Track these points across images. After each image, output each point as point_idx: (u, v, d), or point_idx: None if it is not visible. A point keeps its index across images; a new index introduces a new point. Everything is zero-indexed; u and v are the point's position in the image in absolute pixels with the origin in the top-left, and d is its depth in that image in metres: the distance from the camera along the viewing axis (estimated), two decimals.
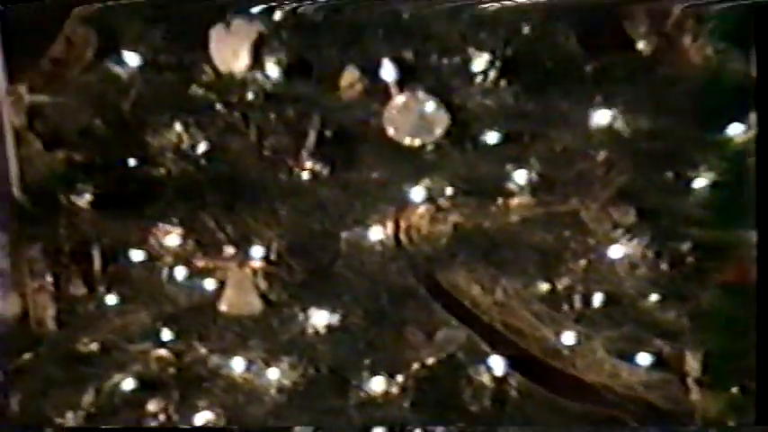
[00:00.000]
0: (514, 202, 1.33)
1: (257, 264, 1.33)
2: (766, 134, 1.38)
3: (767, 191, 1.37)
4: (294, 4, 1.28)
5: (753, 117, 1.34)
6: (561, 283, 1.34)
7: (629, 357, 1.34)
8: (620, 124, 1.31)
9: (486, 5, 1.29)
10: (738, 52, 1.32)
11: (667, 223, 1.34)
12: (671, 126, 1.30)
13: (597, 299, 1.34)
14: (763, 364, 1.38)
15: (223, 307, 1.35)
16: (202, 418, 1.33)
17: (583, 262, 1.33)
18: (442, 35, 1.28)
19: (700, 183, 1.31)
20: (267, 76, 1.28)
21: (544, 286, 1.35)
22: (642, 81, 1.30)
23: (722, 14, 1.34)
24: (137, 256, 1.35)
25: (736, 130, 1.30)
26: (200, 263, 1.34)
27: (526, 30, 1.29)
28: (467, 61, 1.29)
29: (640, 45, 1.31)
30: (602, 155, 1.31)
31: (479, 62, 1.27)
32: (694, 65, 1.32)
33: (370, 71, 1.27)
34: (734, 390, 1.33)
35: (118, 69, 1.32)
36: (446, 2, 1.28)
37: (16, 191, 1.33)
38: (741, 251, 1.32)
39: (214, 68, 1.29)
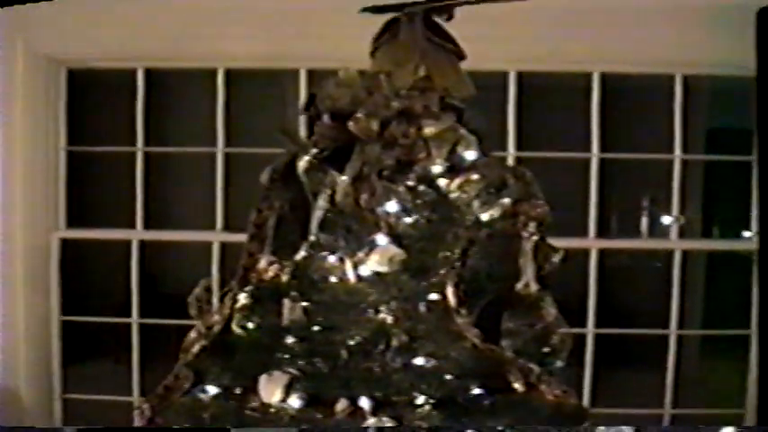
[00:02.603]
0: None
1: None
2: (766, 136, 1.92)
3: (767, 194, 1.86)
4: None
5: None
6: None
7: None
8: None
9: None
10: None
11: None
12: None
13: None
14: (764, 365, 1.91)
15: None
16: None
17: None
18: (399, 383, 2.01)
19: None
20: (291, 406, 2.00)
21: None
22: (518, 409, 2.04)
23: None
24: None
25: None
26: None
27: (448, 378, 2.15)
28: (412, 399, 1.97)
29: (517, 386, 2.14)
30: None
31: (420, 399, 1.97)
32: (547, 399, 2.17)
33: (354, 402, 1.97)
34: None
35: (202, 395, 2.17)
36: None
37: None
38: None
39: (260, 400, 2.04)
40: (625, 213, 4.44)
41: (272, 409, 2.06)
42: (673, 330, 3.74)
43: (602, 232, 3.80)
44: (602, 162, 3.70)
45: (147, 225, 3.65)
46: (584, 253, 3.69)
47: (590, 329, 3.67)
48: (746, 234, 3.80)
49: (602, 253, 3.74)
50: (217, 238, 3.55)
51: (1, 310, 3.50)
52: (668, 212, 3.88)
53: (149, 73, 3.65)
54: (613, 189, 4.00)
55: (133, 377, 3.60)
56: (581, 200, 3.72)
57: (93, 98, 3.69)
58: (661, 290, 3.85)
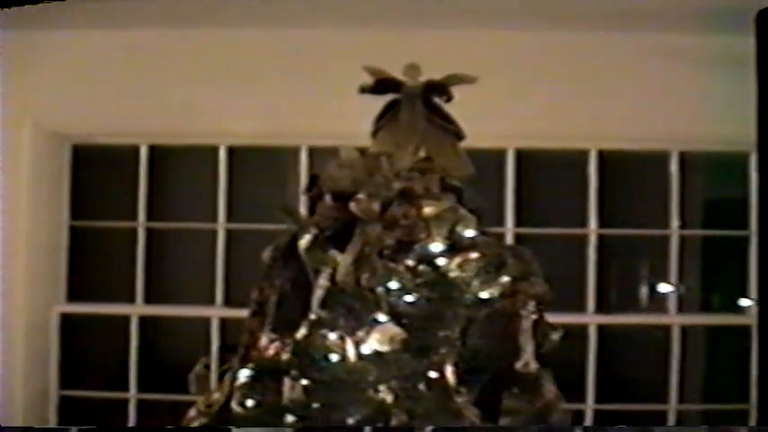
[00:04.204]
0: None
1: None
2: (766, 137, 1.92)
3: (767, 196, 1.86)
4: None
5: None
6: None
7: None
8: None
9: None
10: None
11: None
12: None
13: None
14: (764, 366, 1.88)
15: None
16: None
17: None
18: None
19: None
20: None
21: None
22: None
23: None
24: None
25: None
26: None
27: None
28: None
29: None
30: None
31: None
32: None
33: None
34: None
35: None
36: None
37: None
38: None
39: None
40: (624, 286, 4.45)
41: None
42: (672, 405, 3.72)
43: (601, 307, 3.81)
44: (601, 237, 3.73)
45: (148, 300, 3.66)
46: (583, 328, 3.70)
47: (589, 405, 3.66)
48: (744, 303, 3.82)
49: (601, 327, 3.75)
50: (216, 313, 3.56)
51: (1, 383, 3.49)
52: (667, 283, 3.90)
53: (152, 149, 3.70)
54: (611, 263, 4.01)
55: None
56: (579, 275, 3.74)
57: (96, 173, 3.73)
58: (660, 362, 3.85)
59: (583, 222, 3.70)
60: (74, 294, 3.69)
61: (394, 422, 2.05)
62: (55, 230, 3.62)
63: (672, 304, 3.86)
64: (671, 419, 3.76)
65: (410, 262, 2.13)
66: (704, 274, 4.28)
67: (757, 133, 2.18)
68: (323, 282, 2.12)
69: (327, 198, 2.16)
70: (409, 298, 2.11)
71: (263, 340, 2.18)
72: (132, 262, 3.64)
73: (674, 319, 3.86)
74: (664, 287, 4.02)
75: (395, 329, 2.06)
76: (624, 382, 4.34)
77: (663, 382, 3.81)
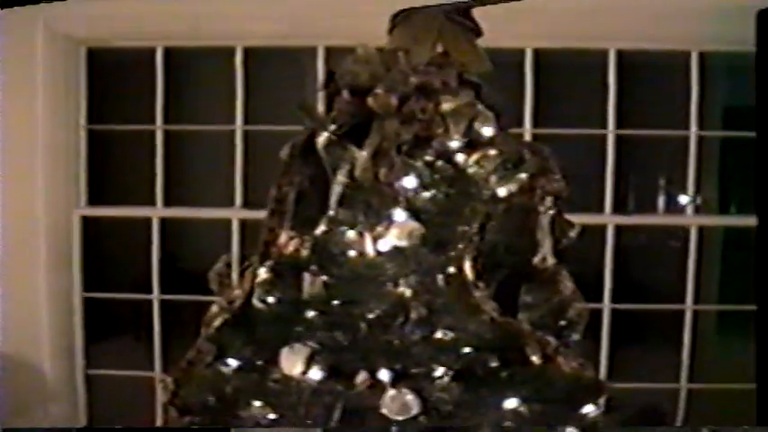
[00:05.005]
0: None
1: None
2: (765, 136, 1.97)
3: (767, 190, 1.91)
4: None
5: (601, 401, 2.22)
6: None
7: None
8: (522, 408, 2.05)
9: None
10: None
11: None
12: (551, 409, 2.08)
13: None
14: (764, 365, 1.95)
15: None
16: None
17: None
18: (418, 356, 2.06)
19: None
20: (311, 378, 2.05)
21: None
22: (535, 381, 2.10)
23: None
24: None
25: (589, 409, 2.18)
26: None
27: (467, 350, 2.18)
28: (431, 371, 2.03)
29: (534, 358, 2.17)
30: (512, 425, 2.05)
31: (439, 372, 2.02)
32: (565, 372, 2.21)
33: (373, 374, 2.03)
34: None
35: (224, 368, 2.20)
36: None
37: None
38: None
39: (281, 372, 2.08)
40: (642, 191, 4.44)
41: (294, 382, 2.10)
42: (689, 306, 3.75)
43: (619, 209, 3.81)
44: (619, 139, 3.70)
45: (168, 203, 3.69)
46: (601, 230, 3.70)
47: (606, 305, 3.69)
48: None
49: (619, 231, 3.75)
50: (236, 215, 3.58)
51: (24, 286, 3.55)
52: (685, 191, 3.88)
53: (169, 52, 3.68)
54: (630, 167, 4.00)
55: (155, 353, 3.64)
56: (597, 177, 3.73)
57: (113, 77, 3.72)
58: (677, 267, 3.86)
59: (602, 124, 3.67)
60: (94, 198, 3.71)
61: (413, 315, 2.07)
62: (73, 135, 3.62)
63: (689, 206, 3.86)
64: (687, 318, 3.79)
65: (428, 158, 2.12)
66: (722, 178, 4.25)
67: (757, 133, 2.15)
68: (341, 178, 2.12)
69: (344, 94, 2.15)
70: (427, 193, 2.11)
71: (283, 237, 2.20)
72: (151, 165, 3.65)
73: (692, 220, 3.86)
74: (682, 192, 4.00)
75: (413, 224, 2.07)
76: (641, 283, 4.37)
77: (680, 284, 3.83)
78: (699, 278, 3.81)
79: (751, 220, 3.96)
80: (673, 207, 4.37)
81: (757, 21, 2.31)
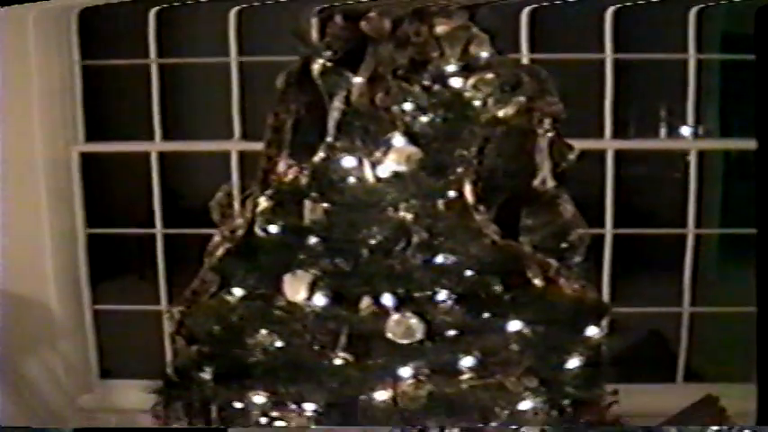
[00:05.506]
0: (464, 376, 2.08)
1: (309, 414, 2.09)
2: (765, 134, 2.01)
3: (767, 192, 1.96)
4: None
5: (604, 323, 2.24)
6: (492, 424, 2.12)
7: None
8: (526, 330, 2.10)
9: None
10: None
11: (555, 387, 2.09)
12: (555, 330, 2.12)
13: None
14: (764, 365, 2.00)
15: None
16: None
17: (506, 412, 2.07)
18: (421, 280, 2.09)
19: (572, 363, 2.11)
20: (315, 304, 2.08)
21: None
22: (538, 304, 2.13)
23: None
24: (238, 406, 2.14)
25: (592, 331, 2.21)
26: (274, 413, 2.12)
27: (469, 273, 2.19)
28: (434, 294, 2.07)
29: (536, 281, 2.19)
30: (515, 347, 2.09)
31: (441, 295, 2.07)
32: (567, 294, 2.23)
33: (377, 300, 2.06)
34: None
35: (229, 297, 2.23)
36: None
37: (168, 369, 2.22)
38: (599, 403, 2.18)
39: (286, 299, 2.12)
40: (641, 114, 4.42)
41: (298, 309, 2.12)
42: (690, 229, 3.74)
43: (619, 135, 3.78)
44: (617, 64, 3.65)
45: (166, 137, 3.66)
46: (601, 156, 3.69)
47: (608, 230, 3.69)
48: None
49: (620, 159, 3.72)
50: (235, 147, 3.56)
51: (27, 225, 3.55)
52: (685, 117, 3.84)
53: None
54: (630, 93, 3.96)
55: (160, 287, 3.66)
56: (597, 101, 3.70)
57: (105, 13, 3.67)
58: (679, 194, 3.84)
59: (600, 49, 3.63)
60: (92, 134, 3.69)
61: (415, 239, 2.08)
62: (67, 71, 3.58)
63: (690, 130, 3.83)
64: (689, 242, 3.79)
65: (425, 82, 2.10)
66: (723, 101, 4.22)
67: (757, 132, 2.12)
68: (337, 104, 2.11)
69: (338, 18, 2.12)
70: (425, 118, 2.10)
71: (281, 165, 2.20)
72: (148, 100, 3.62)
73: (693, 144, 3.83)
74: (682, 120, 3.97)
75: (411, 149, 2.07)
76: (643, 209, 4.37)
77: (681, 210, 3.82)
78: (700, 203, 3.80)
79: (752, 144, 3.94)
80: (674, 134, 4.35)
81: (756, 18, 2.27)
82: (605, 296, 3.55)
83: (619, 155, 3.65)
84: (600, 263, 3.69)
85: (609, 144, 3.64)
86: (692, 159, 3.69)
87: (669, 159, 4.52)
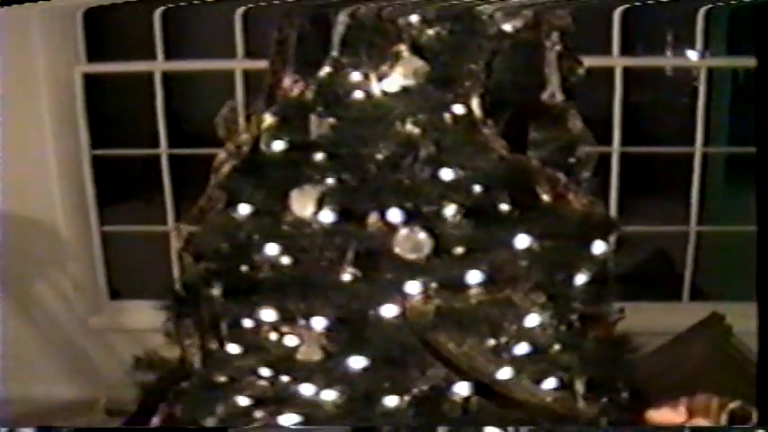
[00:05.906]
0: (473, 291, 2.06)
1: (319, 330, 2.10)
2: (765, 132, 1.99)
3: (767, 192, 1.95)
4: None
5: (611, 238, 2.23)
6: (501, 340, 2.09)
7: (541, 383, 2.14)
8: (534, 245, 2.07)
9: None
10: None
11: (562, 303, 2.09)
12: (563, 245, 2.10)
13: (522, 348, 2.09)
14: (764, 367, 2.00)
15: (299, 356, 2.11)
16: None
17: (514, 327, 2.08)
18: (429, 194, 2.07)
19: (580, 279, 2.11)
20: (323, 219, 2.07)
21: (491, 342, 2.09)
22: (546, 219, 2.10)
23: None
24: (248, 324, 2.15)
25: (599, 247, 2.20)
26: (285, 329, 2.13)
27: (477, 188, 2.18)
28: (442, 209, 2.05)
29: (544, 196, 2.16)
30: (524, 263, 2.07)
31: (450, 209, 2.04)
32: (575, 209, 2.21)
33: (384, 215, 2.05)
34: (605, 400, 2.16)
35: (236, 215, 2.21)
36: None
37: (177, 286, 2.22)
38: (606, 317, 2.18)
39: (293, 214, 2.11)
40: (649, 31, 4.35)
41: (306, 224, 2.11)
42: (698, 148, 3.73)
43: (627, 52, 3.74)
44: None
45: (168, 56, 3.63)
46: (609, 71, 3.65)
47: (615, 148, 3.67)
48: None
49: (628, 76, 3.68)
50: (239, 65, 3.53)
51: (31, 148, 3.54)
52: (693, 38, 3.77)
53: None
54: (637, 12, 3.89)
55: (167, 207, 3.67)
56: (604, 19, 3.64)
57: None
58: (686, 119, 3.81)
59: None
60: (94, 55, 3.66)
61: (422, 153, 2.06)
62: None
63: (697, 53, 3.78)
64: (696, 161, 3.77)
65: None
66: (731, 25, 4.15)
67: (756, 131, 2.06)
68: (342, 18, 2.07)
69: None
70: (431, 31, 2.06)
71: (287, 80, 2.17)
72: (149, 20, 3.57)
73: (701, 62, 3.79)
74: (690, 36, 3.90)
75: (418, 62, 2.04)
76: (650, 131, 4.33)
77: (689, 134, 3.79)
78: (708, 123, 3.77)
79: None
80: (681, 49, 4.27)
81: (755, 17, 2.20)
82: (612, 214, 3.54)
83: (627, 77, 3.61)
84: (607, 182, 3.68)
85: (617, 61, 3.61)
86: (701, 78, 3.66)
87: (677, 85, 4.46)
